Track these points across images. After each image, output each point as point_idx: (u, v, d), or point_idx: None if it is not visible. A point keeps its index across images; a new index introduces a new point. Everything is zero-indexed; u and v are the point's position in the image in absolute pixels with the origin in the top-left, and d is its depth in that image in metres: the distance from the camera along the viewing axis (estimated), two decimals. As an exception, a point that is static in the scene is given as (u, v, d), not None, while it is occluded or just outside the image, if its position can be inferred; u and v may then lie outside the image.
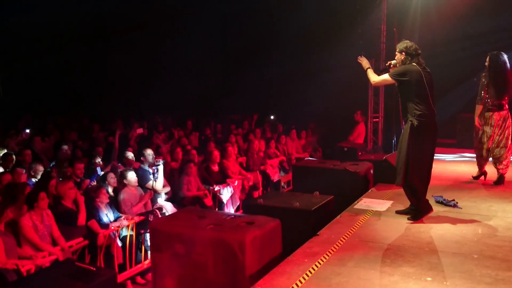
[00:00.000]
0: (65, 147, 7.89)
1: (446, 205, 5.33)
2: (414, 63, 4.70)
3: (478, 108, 6.31)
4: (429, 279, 3.43)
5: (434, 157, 4.90)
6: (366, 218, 4.96)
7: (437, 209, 5.11)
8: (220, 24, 16.03)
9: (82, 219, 5.31)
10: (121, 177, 6.23)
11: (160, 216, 5.92)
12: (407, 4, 10.11)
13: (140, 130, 8.87)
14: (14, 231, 4.61)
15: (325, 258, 3.84)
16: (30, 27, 13.75)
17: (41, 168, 6.48)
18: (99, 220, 5.43)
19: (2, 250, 4.21)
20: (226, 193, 7.50)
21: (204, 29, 15.06)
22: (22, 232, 4.64)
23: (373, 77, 5.03)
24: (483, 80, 6.22)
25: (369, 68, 5.11)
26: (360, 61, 5.22)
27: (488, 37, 10.43)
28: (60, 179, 6.01)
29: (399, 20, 10.48)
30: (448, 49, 10.49)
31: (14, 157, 6.82)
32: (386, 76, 4.88)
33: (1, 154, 6.99)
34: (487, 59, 6.22)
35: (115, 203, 6.00)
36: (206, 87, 15.26)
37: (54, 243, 4.90)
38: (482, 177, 6.57)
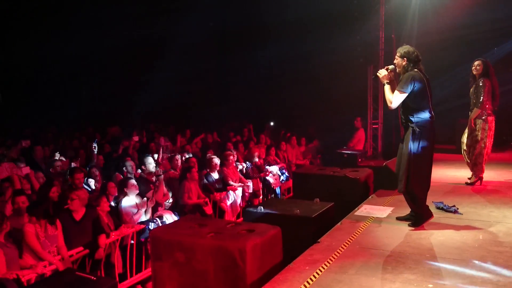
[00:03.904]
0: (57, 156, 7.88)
1: (446, 211, 5.33)
2: (416, 69, 4.71)
3: (475, 112, 6.47)
4: (430, 285, 3.42)
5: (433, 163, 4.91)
6: (367, 225, 4.96)
7: (437, 215, 5.11)
8: (216, 30, 16.10)
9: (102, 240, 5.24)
10: (122, 185, 6.23)
11: (160, 224, 5.92)
12: (405, 10, 10.18)
13: (136, 138, 8.89)
14: (17, 241, 4.61)
15: (326, 266, 3.83)
16: (30, 35, 13.87)
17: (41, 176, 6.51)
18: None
19: (3, 261, 4.20)
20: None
21: (200, 34, 15.14)
22: (25, 239, 4.65)
23: (388, 97, 4.74)
24: (481, 85, 6.38)
25: (387, 83, 4.81)
26: (379, 74, 4.92)
27: (485, 42, 10.52)
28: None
29: (397, 27, 10.54)
30: (446, 54, 10.54)
31: None
32: (397, 94, 4.64)
33: None
34: (481, 65, 6.42)
35: (115, 212, 5.99)
36: (204, 95, 15.30)
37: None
38: (479, 182, 6.71)
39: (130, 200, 6.17)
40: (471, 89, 6.56)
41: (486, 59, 6.58)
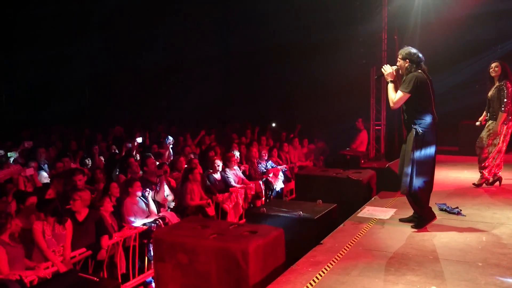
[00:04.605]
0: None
1: (449, 212, 5.31)
2: (419, 70, 4.69)
3: (502, 116, 6.28)
4: (433, 287, 3.41)
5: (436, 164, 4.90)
6: (370, 226, 4.95)
7: (440, 216, 5.09)
8: (221, 31, 16.14)
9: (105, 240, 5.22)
10: (126, 185, 6.23)
11: (163, 225, 5.91)
12: (407, 12, 10.18)
13: (139, 139, 8.91)
14: (26, 241, 4.63)
15: (329, 267, 3.82)
16: (32, 38, 13.92)
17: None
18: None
19: (5, 260, 4.21)
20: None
21: (205, 36, 15.19)
22: (33, 237, 4.68)
23: (391, 96, 4.73)
24: (504, 88, 6.23)
25: (391, 81, 4.76)
26: (383, 70, 4.85)
27: (489, 43, 10.49)
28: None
29: (400, 28, 10.54)
30: (449, 55, 10.52)
31: None
32: (400, 94, 4.63)
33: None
34: (499, 66, 6.29)
35: (118, 213, 5.99)
36: (207, 96, 15.33)
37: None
38: (485, 184, 6.67)
39: (132, 201, 6.16)
40: (491, 92, 6.41)
41: (503, 60, 6.44)
